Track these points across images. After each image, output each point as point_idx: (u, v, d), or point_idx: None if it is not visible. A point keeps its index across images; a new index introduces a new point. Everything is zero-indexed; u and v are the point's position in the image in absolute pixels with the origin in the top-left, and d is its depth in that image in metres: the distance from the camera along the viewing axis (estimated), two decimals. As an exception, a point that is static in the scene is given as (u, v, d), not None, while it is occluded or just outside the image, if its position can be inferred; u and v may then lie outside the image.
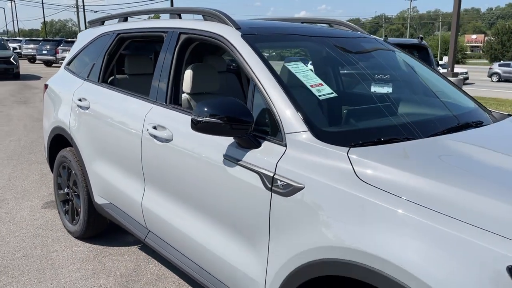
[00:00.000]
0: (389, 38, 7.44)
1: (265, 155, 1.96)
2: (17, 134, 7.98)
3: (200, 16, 2.72)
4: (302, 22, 3.46)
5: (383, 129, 2.05)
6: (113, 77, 3.61)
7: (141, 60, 3.73)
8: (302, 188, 1.77)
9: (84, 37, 3.93)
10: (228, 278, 2.19)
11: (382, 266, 1.47)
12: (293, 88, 2.09)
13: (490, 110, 2.83)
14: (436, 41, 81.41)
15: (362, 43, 2.88)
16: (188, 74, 2.75)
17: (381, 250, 1.49)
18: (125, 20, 3.57)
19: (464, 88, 11.60)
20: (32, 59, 30.26)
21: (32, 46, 30.54)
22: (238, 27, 2.41)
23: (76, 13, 45.31)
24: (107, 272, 3.25)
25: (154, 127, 2.58)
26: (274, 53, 3.97)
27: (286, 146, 1.92)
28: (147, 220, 2.78)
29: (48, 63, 28.19)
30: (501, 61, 40.42)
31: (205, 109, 1.97)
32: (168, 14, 3.00)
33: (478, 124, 2.33)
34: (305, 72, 2.21)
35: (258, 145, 2.01)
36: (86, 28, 4.64)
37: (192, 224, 2.39)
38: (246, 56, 2.21)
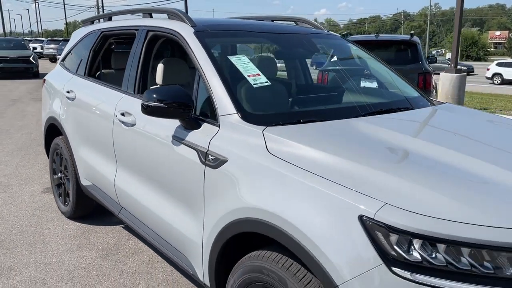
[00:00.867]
0: (381, 35, 7.68)
1: (202, 134, 2.28)
2: (29, 128, 8.47)
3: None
4: (272, 20, 3.75)
5: (302, 113, 2.36)
6: (99, 72, 3.97)
7: (126, 55, 4.07)
8: (227, 161, 2.08)
9: (76, 36, 4.31)
10: (177, 242, 2.51)
11: (277, 221, 1.77)
12: (233, 78, 2.40)
13: (431, 99, 3.08)
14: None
15: (313, 39, 3.16)
16: (160, 67, 3.06)
17: (278, 208, 1.79)
18: (109, 19, 3.93)
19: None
20: (53, 58, 31.18)
21: (53, 46, 31.49)
22: (193, 25, 2.73)
23: (96, 13, 46.36)
24: (90, 246, 3.62)
25: (122, 114, 2.92)
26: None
27: (219, 126, 2.23)
28: (119, 197, 3.12)
29: (67, 62, 28.96)
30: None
31: (154, 95, 2.30)
32: (142, 14, 3.34)
33: (403, 109, 2.59)
34: (245, 64, 2.51)
35: (198, 126, 2.33)
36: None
37: (151, 197, 2.72)
38: (194, 49, 2.53)
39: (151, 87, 2.34)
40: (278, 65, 3.12)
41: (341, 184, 1.66)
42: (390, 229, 1.49)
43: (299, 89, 2.76)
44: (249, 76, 2.44)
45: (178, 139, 2.40)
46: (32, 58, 19.32)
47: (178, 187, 2.44)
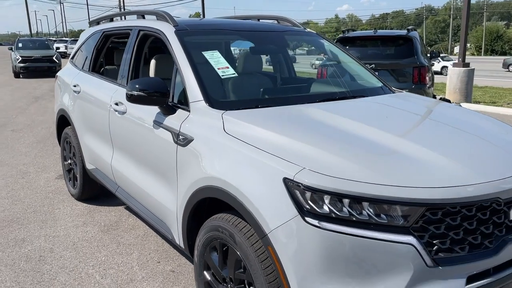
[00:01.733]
0: (379, 31, 7.94)
1: (176, 118, 2.68)
2: (49, 123, 9.04)
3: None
4: (258, 20, 4.13)
5: (260, 100, 2.73)
6: (103, 68, 4.42)
7: None
8: (193, 140, 2.48)
9: (84, 35, 4.77)
10: (159, 212, 2.93)
11: (226, 186, 2.16)
12: (204, 70, 2.79)
13: (393, 89, 3.42)
14: (481, 32, 78.45)
15: (285, 35, 3.53)
16: (152, 63, 3.49)
17: (227, 176, 2.17)
18: (111, 20, 4.37)
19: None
20: (76, 57, 32.13)
21: (76, 45, 32.43)
22: (176, 25, 3.13)
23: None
24: (94, 223, 4.07)
25: (116, 104, 3.35)
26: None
27: (189, 111, 2.63)
28: (115, 177, 3.56)
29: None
30: None
31: (136, 85, 2.71)
32: (136, 16, 3.77)
33: (357, 96, 2.95)
34: (217, 59, 2.90)
35: (174, 112, 2.73)
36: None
37: (138, 175, 3.14)
38: (173, 45, 2.93)
39: (134, 79, 2.75)
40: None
41: (273, 154, 2.03)
42: (305, 187, 1.86)
43: (265, 80, 3.14)
44: (218, 68, 2.83)
45: (157, 123, 2.81)
46: (55, 58, 20.14)
47: (157, 164, 2.85)
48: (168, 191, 2.76)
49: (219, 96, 2.69)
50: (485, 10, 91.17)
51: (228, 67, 2.86)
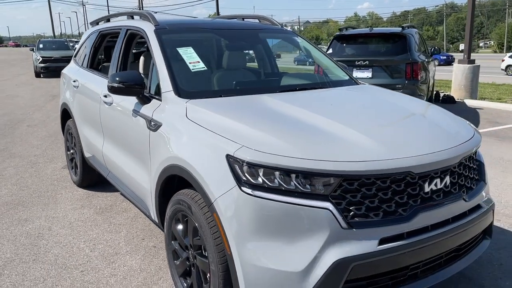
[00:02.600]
0: (375, 28, 8.17)
1: (150, 107, 3.02)
2: (62, 118, 9.53)
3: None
4: (243, 19, 4.46)
5: (223, 90, 3.06)
6: (101, 65, 4.80)
7: None
8: (161, 125, 2.82)
9: (85, 35, 5.17)
10: (139, 192, 3.27)
11: (183, 163, 2.49)
12: (176, 64, 3.13)
13: (358, 82, 3.70)
14: (504, 29, 76.88)
15: (259, 33, 3.84)
16: (141, 60, 3.84)
17: (184, 155, 2.51)
18: (108, 21, 4.76)
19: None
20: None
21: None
22: (156, 24, 3.47)
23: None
24: (90, 206, 4.46)
25: (105, 96, 3.72)
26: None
27: (161, 100, 2.97)
28: (106, 162, 3.93)
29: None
30: None
31: (116, 78, 3.06)
32: (126, 16, 4.13)
33: (317, 88, 3.25)
34: (190, 54, 3.23)
35: (149, 101, 3.08)
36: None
37: (123, 158, 3.50)
38: (152, 42, 3.28)
39: (115, 73, 3.11)
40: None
41: (220, 135, 2.35)
42: (242, 162, 2.17)
43: (234, 74, 3.47)
44: (190, 63, 3.16)
45: (135, 112, 3.16)
46: (74, 58, 20.80)
47: (136, 148, 3.20)
48: (144, 172, 3.11)
49: (187, 87, 3.01)
50: (507, 6, 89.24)
51: (199, 62, 3.19)
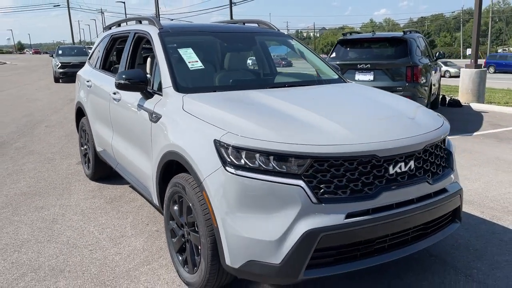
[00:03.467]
0: (377, 33, 8.44)
1: (152, 101, 3.36)
2: (79, 120, 9.99)
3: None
4: (243, 24, 4.80)
5: (217, 86, 3.39)
6: (112, 66, 5.18)
7: None
8: (161, 117, 3.15)
9: (99, 39, 5.56)
10: (144, 179, 3.61)
11: (178, 149, 2.81)
12: (176, 63, 3.47)
13: (347, 81, 3.99)
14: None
15: (255, 36, 4.18)
16: (149, 60, 4.20)
17: (179, 141, 2.83)
18: (119, 25, 5.14)
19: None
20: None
21: (113, 52, 34.05)
22: (160, 27, 3.82)
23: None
24: (101, 196, 4.82)
25: (114, 93, 4.08)
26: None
27: (162, 95, 3.31)
28: (115, 154, 4.29)
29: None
30: None
31: (122, 76, 3.41)
32: (135, 21, 4.50)
33: (304, 85, 3.55)
34: (189, 54, 3.57)
35: (151, 97, 3.42)
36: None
37: (129, 150, 3.85)
38: (155, 44, 3.62)
39: (122, 71, 3.46)
40: None
41: (210, 123, 2.68)
42: (228, 146, 2.48)
43: (230, 72, 3.81)
44: (189, 62, 3.50)
45: (140, 106, 3.51)
46: (92, 63, 21.43)
47: (140, 139, 3.54)
48: (147, 160, 3.45)
49: (185, 83, 3.35)
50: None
51: (197, 61, 3.52)
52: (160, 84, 3.41)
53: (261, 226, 2.39)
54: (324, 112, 2.83)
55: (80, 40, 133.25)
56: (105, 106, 4.36)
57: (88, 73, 5.23)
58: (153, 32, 3.77)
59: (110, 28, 5.44)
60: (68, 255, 3.46)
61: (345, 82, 3.94)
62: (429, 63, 8.58)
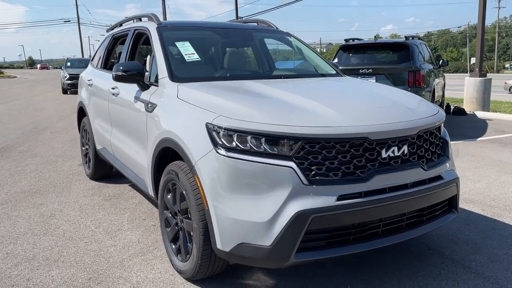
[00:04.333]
0: (378, 39, 8.47)
1: (149, 92, 3.38)
2: (83, 127, 10.06)
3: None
4: (244, 23, 4.84)
5: (210, 77, 3.42)
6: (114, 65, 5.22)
7: None
8: (156, 106, 3.17)
9: (101, 41, 5.63)
10: (140, 172, 3.61)
11: (172, 135, 2.82)
12: (173, 55, 3.49)
13: (343, 75, 3.99)
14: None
15: (253, 32, 4.21)
16: (148, 58, 4.23)
17: (172, 127, 2.84)
18: (120, 25, 5.20)
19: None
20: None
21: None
22: (159, 23, 3.86)
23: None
24: (100, 194, 4.83)
25: (112, 88, 4.11)
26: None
27: (158, 86, 3.33)
28: (113, 150, 4.30)
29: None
30: None
31: (120, 67, 3.44)
32: (134, 19, 4.55)
33: (301, 77, 3.56)
34: (186, 47, 3.60)
35: (148, 88, 3.44)
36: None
37: (126, 143, 3.86)
38: (153, 37, 3.66)
39: (119, 63, 3.49)
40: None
41: (203, 108, 2.68)
42: (220, 128, 2.48)
43: (225, 64, 3.84)
44: (186, 54, 3.53)
45: (136, 98, 3.53)
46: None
47: (136, 130, 3.55)
48: (143, 151, 3.45)
49: (181, 73, 3.37)
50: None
51: (194, 53, 3.55)
52: (156, 76, 3.43)
53: (252, 208, 2.37)
54: (318, 98, 2.82)
55: (89, 56, 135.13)
56: (105, 102, 4.39)
57: (90, 73, 5.28)
58: (152, 27, 3.81)
59: (113, 29, 5.50)
60: (63, 247, 3.45)
61: (342, 76, 3.94)
62: (432, 69, 8.56)
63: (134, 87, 3.58)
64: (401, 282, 2.85)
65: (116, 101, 4.05)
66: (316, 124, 2.41)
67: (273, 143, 2.39)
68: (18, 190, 5.01)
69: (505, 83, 24.20)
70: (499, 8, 74.37)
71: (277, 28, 4.50)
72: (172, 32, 3.83)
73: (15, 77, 48.33)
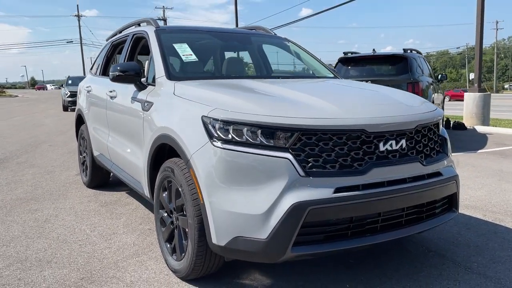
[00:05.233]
0: (377, 51, 8.52)
1: (146, 92, 3.37)
2: (83, 140, 10.04)
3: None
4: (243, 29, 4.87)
5: (206, 76, 3.40)
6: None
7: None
8: (153, 104, 3.15)
9: (101, 48, 5.66)
10: (136, 174, 3.56)
11: (168, 131, 2.79)
12: (170, 56, 3.50)
13: (341, 77, 3.99)
14: (528, 70, 76.29)
15: (251, 37, 4.22)
16: (147, 62, 4.24)
17: (169, 123, 2.81)
18: (120, 32, 5.23)
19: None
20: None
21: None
22: (157, 26, 3.88)
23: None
24: (96, 201, 4.77)
25: (110, 91, 4.10)
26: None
27: (155, 85, 3.32)
28: (110, 154, 4.27)
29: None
30: None
31: (117, 68, 3.44)
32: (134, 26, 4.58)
33: (296, 77, 3.55)
34: (184, 48, 3.60)
35: (145, 88, 3.43)
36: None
37: (124, 145, 3.83)
38: (151, 39, 3.67)
39: (117, 64, 3.49)
40: None
41: (200, 103, 2.66)
42: (215, 120, 2.45)
43: (222, 64, 3.85)
44: (183, 55, 3.54)
45: (133, 98, 3.51)
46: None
47: (133, 131, 3.53)
48: (139, 151, 3.42)
49: (178, 73, 3.37)
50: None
51: (191, 54, 3.56)
52: (154, 77, 3.43)
53: (248, 200, 2.33)
54: (315, 93, 2.82)
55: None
56: (102, 106, 4.38)
57: (88, 81, 5.30)
58: (150, 31, 3.82)
59: (112, 37, 5.53)
60: (56, 249, 3.39)
61: (341, 79, 3.94)
62: (431, 83, 8.59)
63: (131, 89, 3.58)
64: (400, 282, 2.78)
65: (113, 104, 4.03)
66: (313, 116, 2.38)
67: (269, 135, 2.36)
68: (14, 197, 4.95)
69: None
70: (497, 29, 75.18)
71: (275, 34, 4.52)
72: (170, 35, 3.85)
73: (17, 96, 48.64)
